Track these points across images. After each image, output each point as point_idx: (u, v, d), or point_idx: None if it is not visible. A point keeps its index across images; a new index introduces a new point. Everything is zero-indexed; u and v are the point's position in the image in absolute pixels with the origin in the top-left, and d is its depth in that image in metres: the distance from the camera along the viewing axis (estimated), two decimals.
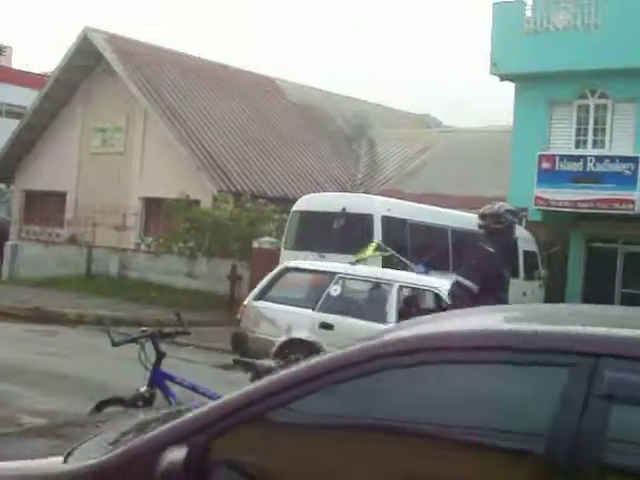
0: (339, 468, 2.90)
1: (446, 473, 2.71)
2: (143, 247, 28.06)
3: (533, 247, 22.52)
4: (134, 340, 6.06)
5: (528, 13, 24.10)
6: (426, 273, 16.96)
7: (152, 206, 29.82)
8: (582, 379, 2.52)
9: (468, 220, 20.04)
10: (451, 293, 7.99)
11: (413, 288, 11.59)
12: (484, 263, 7.73)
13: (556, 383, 2.56)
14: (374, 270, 12.53)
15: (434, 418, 2.80)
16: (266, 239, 22.29)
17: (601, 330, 2.81)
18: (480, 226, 7.99)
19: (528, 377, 2.68)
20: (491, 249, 7.71)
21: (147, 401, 5.92)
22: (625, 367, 2.53)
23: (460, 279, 7.73)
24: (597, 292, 24.26)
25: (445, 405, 2.82)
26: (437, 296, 11.11)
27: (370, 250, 14.72)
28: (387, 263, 15.21)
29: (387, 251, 15.50)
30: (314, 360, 3.16)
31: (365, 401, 2.97)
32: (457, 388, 2.83)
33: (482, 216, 8.02)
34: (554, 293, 22.60)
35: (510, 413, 2.64)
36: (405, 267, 14.73)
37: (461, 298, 7.43)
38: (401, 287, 11.37)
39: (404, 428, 2.84)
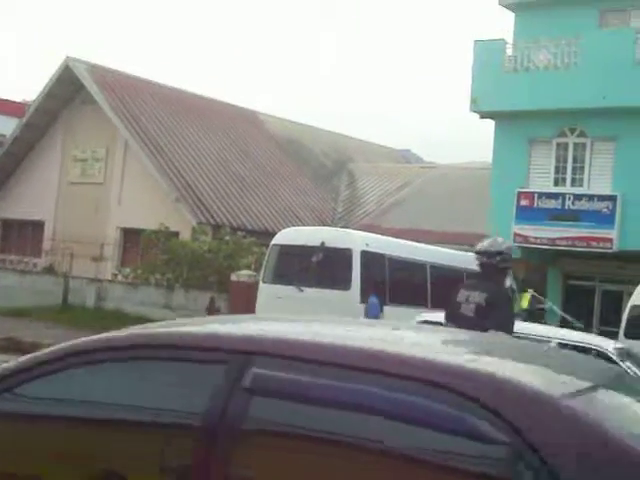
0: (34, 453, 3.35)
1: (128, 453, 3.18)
2: (120, 278, 27.89)
3: (508, 282, 22.55)
4: None
5: (509, 51, 24.31)
6: (378, 307, 16.84)
7: (130, 237, 29.71)
8: (232, 373, 3.00)
9: (447, 256, 20.13)
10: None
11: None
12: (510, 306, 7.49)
13: (212, 376, 3.08)
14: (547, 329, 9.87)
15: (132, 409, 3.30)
16: (244, 272, 22.21)
17: (251, 331, 3.41)
18: (494, 264, 7.26)
19: (192, 370, 3.22)
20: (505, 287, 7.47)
21: None
22: (269, 364, 2.97)
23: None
24: (575, 329, 24.32)
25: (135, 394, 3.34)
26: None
27: (525, 301, 13.65)
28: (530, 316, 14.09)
29: (542, 302, 14.12)
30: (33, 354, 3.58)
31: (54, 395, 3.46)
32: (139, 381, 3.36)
33: (499, 253, 7.33)
34: None
35: (177, 398, 3.20)
36: (566, 323, 12.71)
37: None
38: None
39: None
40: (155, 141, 29.63)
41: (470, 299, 7.08)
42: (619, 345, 7.04)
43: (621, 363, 7.85)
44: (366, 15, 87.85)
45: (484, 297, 7.04)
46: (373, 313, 18.46)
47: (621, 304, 20.98)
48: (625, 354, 7.67)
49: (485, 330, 6.97)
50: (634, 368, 7.56)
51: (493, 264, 7.26)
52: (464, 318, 7.02)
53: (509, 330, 7.00)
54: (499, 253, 7.28)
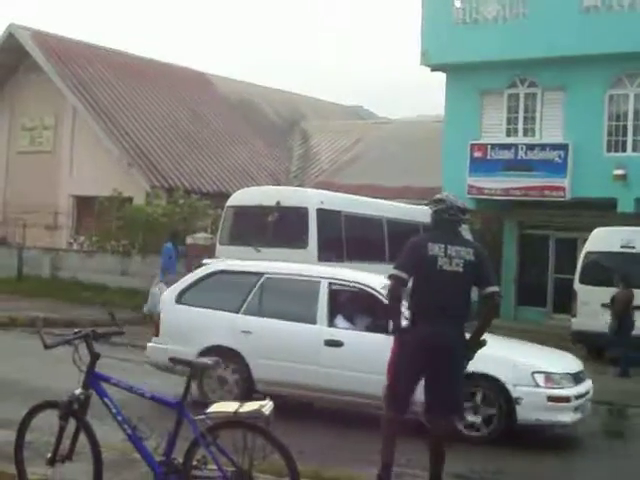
0: None
1: None
2: (75, 246, 27.63)
3: (468, 235, 22.71)
4: (67, 342, 5.90)
5: (457, 4, 24.23)
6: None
7: (84, 204, 29.39)
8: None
9: (403, 210, 20.18)
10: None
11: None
12: None
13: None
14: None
15: None
16: (201, 235, 22.11)
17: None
18: (464, 219, 7.19)
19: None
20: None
21: (82, 404, 5.78)
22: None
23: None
24: (531, 277, 24.62)
25: None
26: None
27: None
28: None
29: None
30: None
31: None
32: None
33: (462, 209, 7.20)
34: None
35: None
36: None
37: None
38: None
39: None
40: (104, 107, 29.24)
41: (451, 253, 6.95)
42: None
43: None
44: None
45: (472, 252, 6.99)
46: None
47: (575, 251, 21.24)
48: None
49: (472, 285, 7.00)
50: None
51: (465, 220, 7.22)
52: (448, 273, 6.86)
53: (497, 282, 7.16)
54: (465, 208, 7.23)
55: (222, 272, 11.47)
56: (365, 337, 10.11)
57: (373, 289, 10.27)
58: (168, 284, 20.37)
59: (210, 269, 11.58)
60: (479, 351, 7.02)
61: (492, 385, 9.52)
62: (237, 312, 10.82)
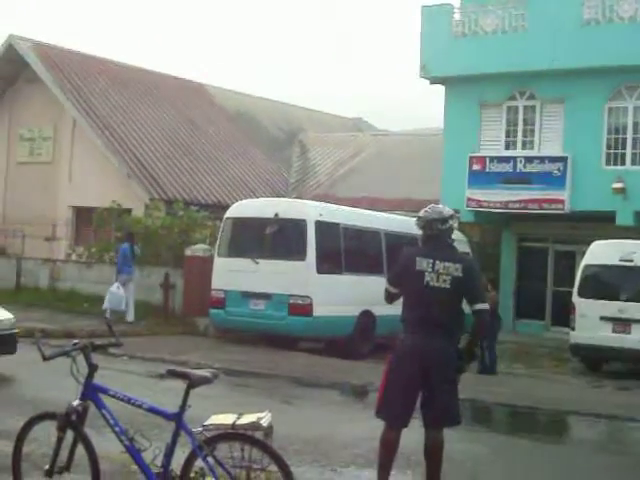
0: None
1: None
2: (74, 257, 27.59)
3: (466, 248, 22.75)
4: (65, 353, 5.89)
5: (457, 16, 24.29)
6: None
7: (83, 215, 29.38)
8: None
9: (401, 223, 20.18)
10: None
11: None
12: None
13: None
14: None
15: None
16: (199, 246, 22.07)
17: None
18: (444, 229, 7.13)
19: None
20: None
21: (80, 415, 5.76)
22: None
23: None
24: (529, 290, 24.61)
25: None
26: None
27: None
28: None
29: None
30: None
31: None
32: None
33: (451, 217, 7.23)
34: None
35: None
36: None
37: None
38: None
39: None
40: (103, 118, 29.27)
41: (439, 269, 6.96)
42: None
43: None
44: None
45: (460, 268, 6.98)
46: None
47: (574, 264, 21.24)
48: None
49: (461, 301, 7.04)
50: None
51: (448, 229, 7.21)
52: (435, 289, 6.87)
53: (485, 298, 7.26)
54: (451, 217, 7.25)
55: None
56: None
57: None
58: (123, 284, 20.76)
59: None
60: None
61: None
62: None
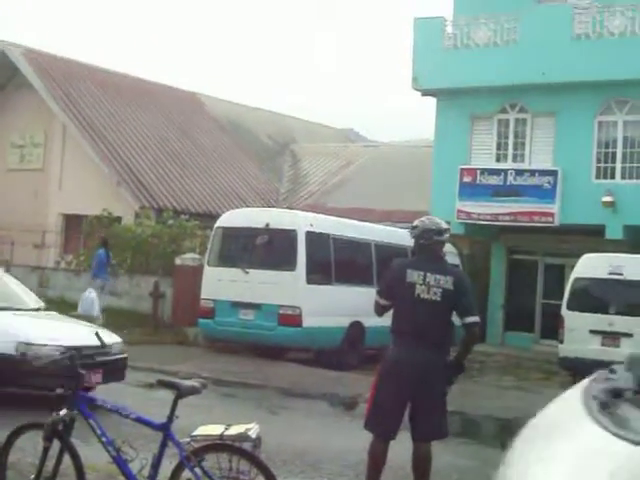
0: None
1: None
2: (63, 265, 27.50)
3: (456, 260, 22.76)
4: (53, 363, 5.87)
5: (449, 29, 24.35)
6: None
7: (72, 223, 29.30)
8: None
9: (392, 234, 20.19)
10: None
11: None
12: None
13: None
14: None
15: None
16: (189, 255, 22.04)
17: None
18: (439, 240, 7.11)
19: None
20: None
21: (67, 426, 5.73)
22: None
23: None
24: (518, 303, 24.63)
25: None
26: None
27: None
28: None
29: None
30: None
31: None
32: None
33: (438, 231, 7.14)
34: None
35: None
36: None
37: None
38: None
39: None
40: (94, 125, 29.21)
41: (430, 282, 6.95)
42: None
43: None
44: None
45: (451, 280, 6.97)
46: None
47: (564, 277, 21.27)
48: None
49: (451, 313, 7.04)
50: None
51: (442, 241, 7.22)
52: (426, 302, 6.89)
53: (476, 312, 7.14)
54: (446, 230, 7.25)
55: None
56: None
57: None
58: (97, 289, 20.67)
59: None
60: None
61: None
62: None
